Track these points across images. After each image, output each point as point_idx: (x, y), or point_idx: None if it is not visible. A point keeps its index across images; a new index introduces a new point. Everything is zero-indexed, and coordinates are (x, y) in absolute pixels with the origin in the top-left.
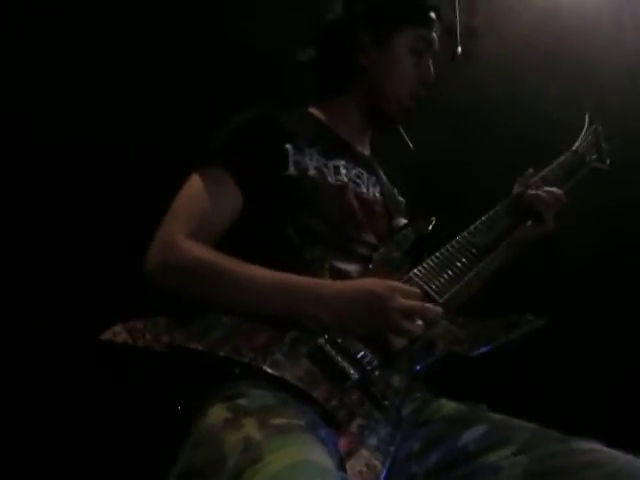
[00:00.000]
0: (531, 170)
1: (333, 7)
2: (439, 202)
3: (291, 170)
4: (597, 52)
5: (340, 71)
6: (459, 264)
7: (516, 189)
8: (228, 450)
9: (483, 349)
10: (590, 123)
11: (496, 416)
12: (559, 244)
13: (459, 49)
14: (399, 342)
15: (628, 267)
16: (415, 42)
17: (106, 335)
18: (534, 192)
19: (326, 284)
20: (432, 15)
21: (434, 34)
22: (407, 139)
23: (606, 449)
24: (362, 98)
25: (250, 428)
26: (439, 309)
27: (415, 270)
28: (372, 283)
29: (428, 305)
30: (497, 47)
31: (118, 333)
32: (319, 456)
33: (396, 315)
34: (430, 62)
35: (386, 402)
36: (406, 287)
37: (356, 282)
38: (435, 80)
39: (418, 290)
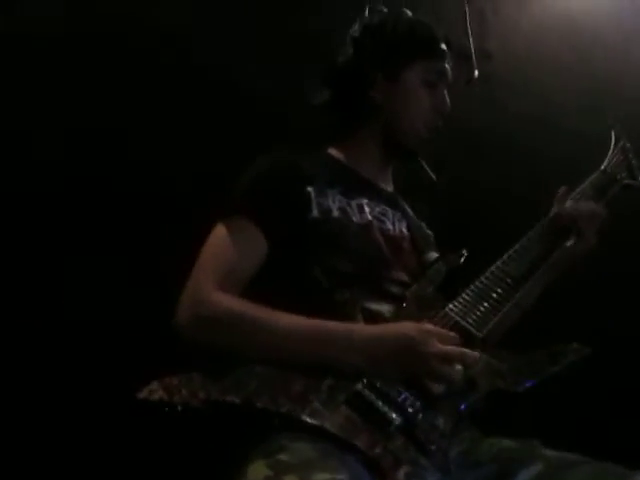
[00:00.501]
0: (563, 188)
1: (344, 49)
2: (464, 229)
3: (315, 213)
4: (615, 65)
5: (355, 110)
6: (495, 295)
7: (553, 211)
8: None
9: (528, 383)
10: (617, 140)
11: (551, 452)
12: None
13: (475, 73)
14: (437, 387)
15: None
16: (427, 75)
17: (143, 394)
18: (573, 207)
19: (359, 329)
20: (442, 47)
21: (446, 65)
22: (429, 171)
23: None
24: (379, 134)
25: None
26: (477, 354)
27: (450, 305)
28: (407, 327)
29: (466, 351)
30: (510, 66)
31: (154, 391)
32: None
33: (434, 361)
34: (445, 92)
35: (432, 447)
36: (443, 331)
37: (391, 326)
38: (450, 109)
39: (455, 335)
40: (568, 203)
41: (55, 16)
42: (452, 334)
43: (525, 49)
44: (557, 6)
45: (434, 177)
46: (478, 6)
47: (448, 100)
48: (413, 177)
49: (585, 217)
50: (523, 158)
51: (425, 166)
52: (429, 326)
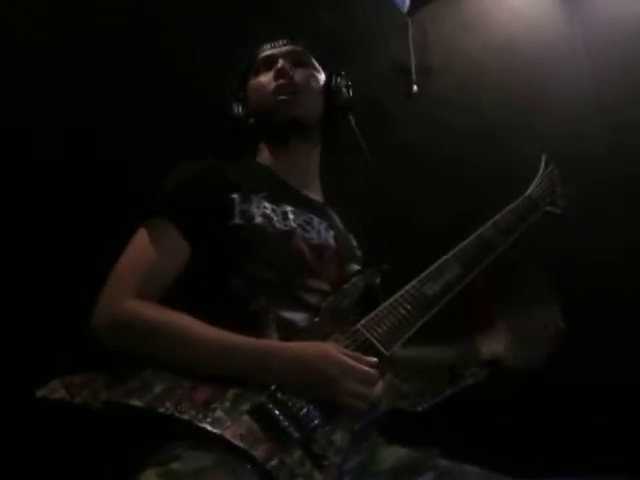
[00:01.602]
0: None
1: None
2: (394, 243)
3: (237, 219)
4: (551, 84)
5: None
6: (407, 314)
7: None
8: None
9: (427, 404)
10: (546, 166)
11: (444, 463)
12: None
13: (415, 87)
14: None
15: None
16: (256, 70)
17: (43, 391)
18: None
19: (275, 349)
20: (260, 49)
21: (269, 48)
22: (364, 148)
23: None
24: (263, 135)
25: None
26: (381, 392)
27: (363, 321)
28: (324, 360)
29: (377, 391)
30: (450, 83)
31: (55, 389)
32: None
33: (346, 398)
34: (278, 62)
35: (326, 462)
36: (360, 369)
37: (307, 351)
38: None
39: (374, 372)
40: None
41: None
42: (371, 372)
43: (465, 66)
44: (499, 26)
45: (368, 155)
46: (420, 23)
47: (279, 64)
48: (346, 190)
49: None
50: (458, 173)
51: (362, 143)
52: (347, 361)
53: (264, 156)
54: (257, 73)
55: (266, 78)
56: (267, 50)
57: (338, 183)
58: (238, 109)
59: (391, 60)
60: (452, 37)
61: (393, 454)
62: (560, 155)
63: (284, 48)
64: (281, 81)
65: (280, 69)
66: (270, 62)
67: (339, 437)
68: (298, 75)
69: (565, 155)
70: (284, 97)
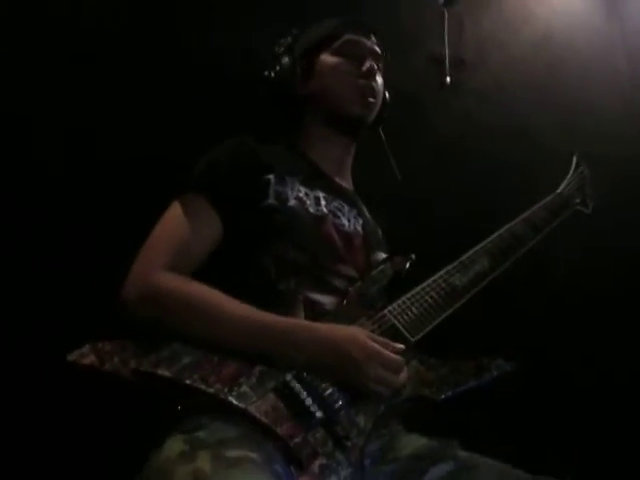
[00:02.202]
0: None
1: (271, 64)
2: (422, 236)
3: (271, 200)
4: (589, 82)
5: (293, 110)
6: (434, 303)
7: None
8: None
9: (450, 393)
10: (577, 166)
11: (464, 454)
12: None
13: (447, 79)
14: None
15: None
16: (338, 49)
17: (73, 356)
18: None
19: (304, 329)
20: (347, 24)
21: (356, 34)
22: (394, 167)
23: None
24: (321, 117)
25: (202, 461)
26: (405, 379)
27: (390, 307)
28: (352, 343)
29: (402, 378)
30: (486, 78)
31: (86, 355)
32: None
33: (370, 383)
34: (364, 57)
35: (349, 443)
36: (386, 355)
37: (335, 333)
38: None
39: (400, 359)
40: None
41: None
42: (396, 358)
43: (500, 60)
44: (537, 22)
45: (399, 175)
46: (457, 15)
47: (369, 64)
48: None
49: None
50: (489, 169)
51: (392, 162)
52: (373, 346)
53: (302, 139)
54: (337, 53)
55: (348, 67)
56: (353, 34)
57: (369, 175)
58: (297, 78)
59: (426, 53)
60: (489, 31)
61: (412, 442)
62: (595, 155)
63: (370, 44)
64: (370, 83)
65: (370, 69)
66: (356, 50)
67: (362, 420)
68: (379, 81)
69: (600, 156)
70: (372, 100)
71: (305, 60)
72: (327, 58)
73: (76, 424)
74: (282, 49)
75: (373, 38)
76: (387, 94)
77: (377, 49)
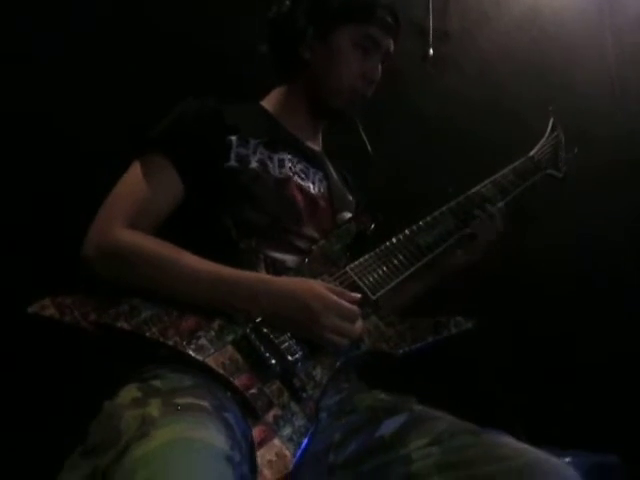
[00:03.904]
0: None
1: (283, 1)
2: (402, 207)
3: (232, 162)
4: (576, 58)
5: (285, 63)
6: (396, 262)
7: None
8: (124, 427)
9: (408, 349)
10: (552, 130)
11: (419, 407)
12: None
13: (431, 50)
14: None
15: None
16: (359, 39)
17: (33, 308)
18: (480, 214)
19: (263, 282)
20: (380, 14)
21: (383, 33)
22: (367, 143)
23: (516, 442)
24: (306, 90)
25: (152, 407)
26: (361, 331)
27: (352, 265)
28: (309, 295)
29: (357, 328)
30: (471, 52)
31: (46, 307)
32: (207, 434)
33: (326, 332)
34: (377, 60)
35: (304, 394)
36: (342, 304)
37: (292, 285)
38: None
39: (356, 308)
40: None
41: None
42: (352, 308)
43: (485, 33)
44: None
45: (370, 150)
46: None
47: (380, 69)
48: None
49: (486, 224)
50: (469, 143)
51: (365, 138)
52: (330, 297)
53: (271, 101)
54: (355, 44)
55: (357, 65)
56: (379, 29)
57: (346, 147)
58: (306, 39)
59: (410, 24)
60: (475, 3)
61: (372, 396)
62: (576, 132)
63: (388, 43)
64: (367, 87)
65: (376, 77)
66: (373, 50)
67: (319, 372)
68: (376, 81)
69: (581, 133)
70: (361, 101)
71: (321, 23)
72: (343, 42)
73: (38, 374)
74: None
75: (393, 42)
76: None
77: (392, 48)
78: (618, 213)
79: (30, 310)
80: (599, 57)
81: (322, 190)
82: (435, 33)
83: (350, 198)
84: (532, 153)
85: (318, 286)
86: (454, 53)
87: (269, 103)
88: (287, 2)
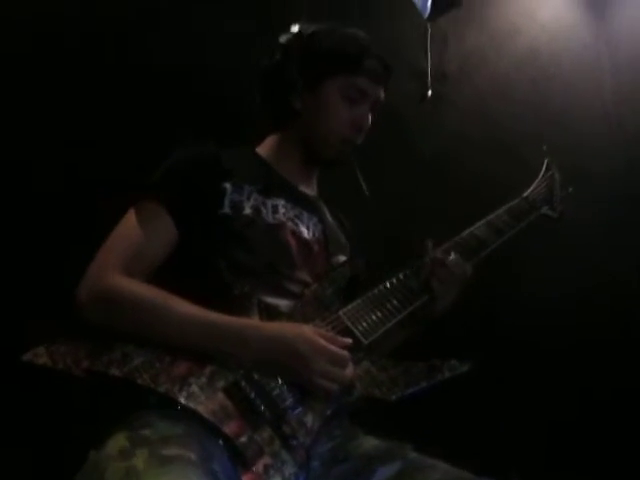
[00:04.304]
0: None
1: (274, 53)
2: (399, 249)
3: (226, 209)
4: (574, 97)
5: (277, 113)
6: (389, 306)
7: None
8: (109, 479)
9: (401, 394)
10: (547, 169)
11: (414, 454)
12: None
13: (429, 92)
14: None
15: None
16: (347, 89)
17: (27, 356)
18: (431, 263)
19: (253, 328)
20: (368, 64)
21: (371, 83)
22: (364, 185)
23: None
24: (298, 138)
25: (138, 459)
26: (351, 376)
27: (344, 309)
28: (299, 339)
29: (348, 373)
30: (470, 92)
31: (39, 355)
32: None
33: (316, 377)
34: (366, 109)
35: (294, 442)
36: (332, 349)
37: (283, 330)
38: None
39: (346, 353)
40: (438, 252)
41: None
42: (343, 353)
43: (484, 75)
44: (522, 38)
45: (367, 192)
46: (441, 30)
47: (369, 117)
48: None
49: (439, 277)
50: (468, 182)
51: (361, 180)
52: (320, 341)
53: (265, 148)
54: (343, 95)
55: (346, 115)
56: (367, 79)
57: (344, 187)
58: (297, 90)
59: (409, 67)
60: (474, 46)
61: (366, 443)
62: (573, 169)
63: (378, 92)
64: (357, 135)
65: (365, 126)
66: (361, 100)
67: (310, 419)
68: (366, 127)
69: (578, 170)
70: (351, 148)
71: (311, 75)
72: (331, 93)
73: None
74: (288, 44)
75: (383, 91)
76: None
77: (382, 96)
78: (619, 249)
79: (24, 358)
80: (596, 96)
81: (317, 234)
82: (433, 75)
83: (345, 242)
84: (526, 194)
85: (308, 331)
86: (452, 94)
87: (263, 149)
88: (278, 54)
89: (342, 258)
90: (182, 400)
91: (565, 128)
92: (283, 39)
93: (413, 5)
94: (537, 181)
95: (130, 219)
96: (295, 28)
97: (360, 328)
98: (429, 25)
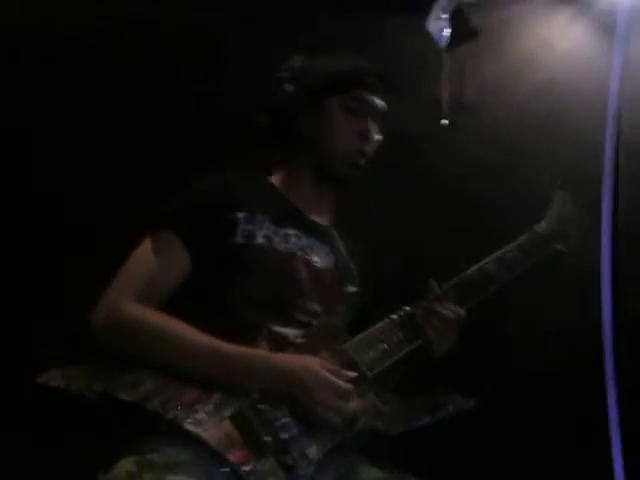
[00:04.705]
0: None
1: (274, 89)
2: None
3: (239, 238)
4: (594, 128)
5: (287, 142)
6: (396, 339)
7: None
8: None
9: (403, 428)
10: (560, 203)
11: None
12: None
13: (446, 121)
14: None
15: None
16: (345, 101)
17: (42, 378)
18: (425, 313)
19: (259, 357)
20: (362, 77)
21: (368, 93)
22: (374, 209)
23: None
24: (309, 163)
25: None
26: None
27: (351, 341)
28: (304, 370)
29: (351, 406)
30: (487, 119)
31: (53, 377)
32: None
33: (320, 408)
34: (369, 121)
35: (296, 472)
36: (336, 382)
37: (289, 361)
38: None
39: (349, 386)
40: (435, 301)
41: None
42: (346, 386)
43: (501, 103)
44: (541, 67)
45: (375, 215)
46: (458, 59)
47: (374, 128)
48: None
49: (433, 327)
50: (482, 208)
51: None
52: (325, 374)
53: (277, 176)
54: (344, 109)
55: (350, 127)
56: (365, 90)
57: (359, 213)
58: (303, 117)
59: (425, 96)
60: (491, 75)
61: (370, 474)
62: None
63: (379, 102)
64: (364, 145)
65: (369, 134)
66: (363, 110)
67: (313, 451)
68: (375, 140)
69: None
70: (362, 162)
71: (313, 99)
72: (334, 110)
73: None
74: (288, 77)
75: (384, 91)
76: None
77: (384, 107)
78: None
79: (39, 380)
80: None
81: (328, 264)
82: (451, 104)
83: (356, 272)
84: (537, 228)
85: (314, 363)
86: (470, 122)
87: (276, 179)
88: (281, 87)
89: (352, 289)
90: (189, 427)
91: (583, 159)
92: (283, 73)
93: (430, 35)
94: (549, 215)
95: (145, 248)
96: (294, 60)
97: (366, 360)
98: (446, 54)
